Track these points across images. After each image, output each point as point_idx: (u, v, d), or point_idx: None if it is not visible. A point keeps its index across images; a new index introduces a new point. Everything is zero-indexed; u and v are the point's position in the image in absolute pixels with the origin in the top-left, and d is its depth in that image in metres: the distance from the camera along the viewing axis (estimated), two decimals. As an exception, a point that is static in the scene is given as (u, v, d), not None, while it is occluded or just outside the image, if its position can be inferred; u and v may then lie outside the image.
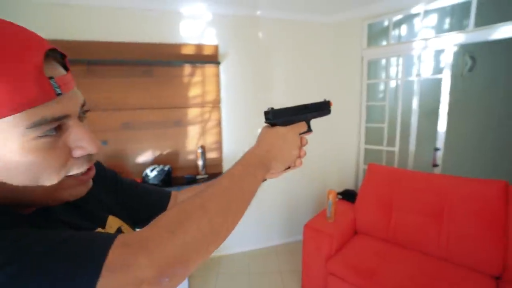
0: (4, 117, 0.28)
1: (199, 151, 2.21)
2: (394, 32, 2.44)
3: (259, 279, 2.18)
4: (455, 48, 1.99)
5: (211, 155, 2.34)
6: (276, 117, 0.52)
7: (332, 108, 0.62)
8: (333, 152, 2.65)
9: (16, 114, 0.29)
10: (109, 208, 0.49)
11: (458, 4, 1.90)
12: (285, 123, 0.52)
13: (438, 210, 1.73)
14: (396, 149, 2.31)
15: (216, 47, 2.22)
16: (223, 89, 2.29)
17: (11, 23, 0.31)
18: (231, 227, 0.37)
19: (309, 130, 0.56)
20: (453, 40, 1.90)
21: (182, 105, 2.19)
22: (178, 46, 2.12)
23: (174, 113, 2.18)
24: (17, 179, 0.32)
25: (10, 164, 0.30)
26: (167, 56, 2.09)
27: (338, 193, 2.32)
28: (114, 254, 0.27)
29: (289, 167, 0.52)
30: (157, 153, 2.18)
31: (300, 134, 0.54)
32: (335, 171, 2.67)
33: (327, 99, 0.61)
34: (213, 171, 2.31)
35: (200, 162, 2.21)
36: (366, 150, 2.55)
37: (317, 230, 1.85)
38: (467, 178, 1.74)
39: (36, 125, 0.30)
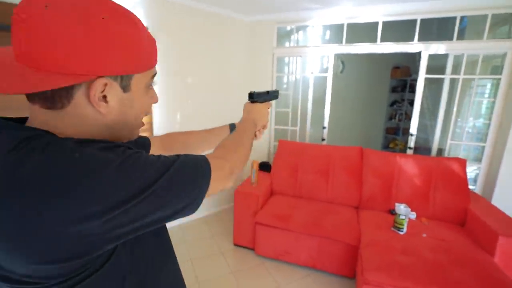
0: (150, 69, 0.46)
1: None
2: (294, 37, 3.10)
3: (196, 244, 2.48)
4: (334, 55, 2.79)
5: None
6: (257, 98, 0.84)
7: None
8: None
9: (152, 69, 0.47)
10: None
11: (336, 25, 2.69)
12: (262, 101, 0.85)
13: (325, 169, 2.51)
14: (297, 128, 3.03)
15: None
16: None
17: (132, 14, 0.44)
18: (250, 152, 0.69)
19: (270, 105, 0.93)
20: (333, 50, 2.67)
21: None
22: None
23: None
24: (131, 115, 0.46)
25: (136, 102, 0.46)
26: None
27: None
28: (212, 164, 0.48)
29: (262, 128, 0.86)
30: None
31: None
32: (253, 148, 3.19)
33: (276, 89, 0.99)
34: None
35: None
36: (275, 130, 3.18)
37: (246, 193, 2.31)
38: (341, 146, 2.59)
39: (153, 77, 0.49)
